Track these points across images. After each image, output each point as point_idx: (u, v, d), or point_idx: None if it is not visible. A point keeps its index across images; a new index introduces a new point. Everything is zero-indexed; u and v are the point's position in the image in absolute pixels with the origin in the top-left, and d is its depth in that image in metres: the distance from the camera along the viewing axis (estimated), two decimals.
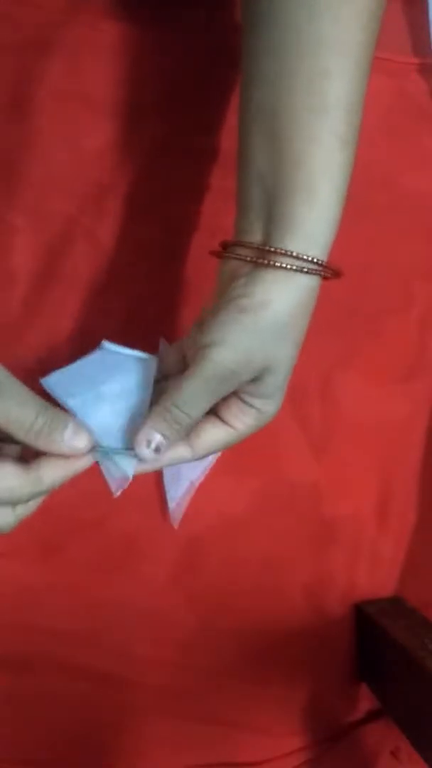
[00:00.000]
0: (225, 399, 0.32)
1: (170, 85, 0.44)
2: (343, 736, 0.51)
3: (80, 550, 0.46)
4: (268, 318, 0.30)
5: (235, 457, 0.43)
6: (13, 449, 0.32)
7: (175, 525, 0.46)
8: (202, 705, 0.49)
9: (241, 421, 0.32)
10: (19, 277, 0.44)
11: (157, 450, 0.31)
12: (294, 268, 0.30)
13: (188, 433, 0.32)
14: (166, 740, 0.48)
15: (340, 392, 0.49)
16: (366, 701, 0.52)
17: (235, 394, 0.32)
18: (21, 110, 0.43)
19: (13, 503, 0.31)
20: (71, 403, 0.32)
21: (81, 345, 0.44)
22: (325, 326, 0.47)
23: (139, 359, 0.33)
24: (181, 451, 0.32)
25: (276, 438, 0.48)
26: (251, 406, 0.32)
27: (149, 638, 0.47)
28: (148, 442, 0.30)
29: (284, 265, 0.30)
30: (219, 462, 0.45)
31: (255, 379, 0.31)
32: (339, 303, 0.48)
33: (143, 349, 0.45)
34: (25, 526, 0.45)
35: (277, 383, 0.32)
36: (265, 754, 0.50)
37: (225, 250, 0.33)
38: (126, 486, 0.42)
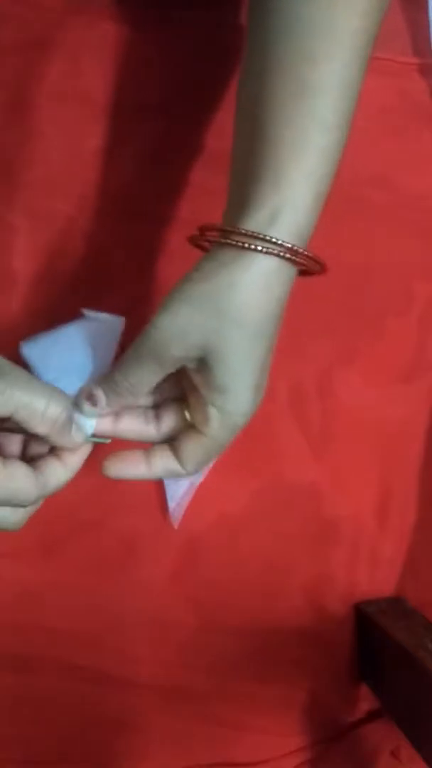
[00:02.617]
0: (193, 405, 0.32)
1: (170, 85, 0.44)
2: (343, 736, 0.51)
3: (80, 550, 0.46)
4: (210, 291, 0.29)
5: (235, 458, 0.43)
6: (15, 447, 0.33)
7: (175, 525, 0.46)
8: (202, 705, 0.49)
9: (208, 425, 0.31)
10: (19, 277, 0.44)
11: (95, 404, 0.31)
12: (247, 246, 0.29)
13: (131, 401, 0.32)
14: (166, 740, 0.48)
15: (339, 392, 0.49)
16: (366, 701, 0.52)
17: (198, 395, 0.31)
18: (21, 110, 0.43)
19: (21, 505, 0.31)
20: (46, 375, 0.34)
21: None
22: (325, 326, 0.48)
23: (110, 322, 0.35)
24: (172, 465, 0.33)
25: (276, 438, 0.48)
26: (211, 404, 0.31)
27: (149, 638, 0.47)
28: (89, 396, 0.31)
29: (237, 243, 0.29)
30: (219, 462, 0.44)
31: (203, 366, 0.30)
32: (339, 303, 0.48)
33: None
34: (25, 526, 0.45)
35: (229, 375, 0.30)
36: (265, 754, 0.50)
37: (201, 231, 0.33)
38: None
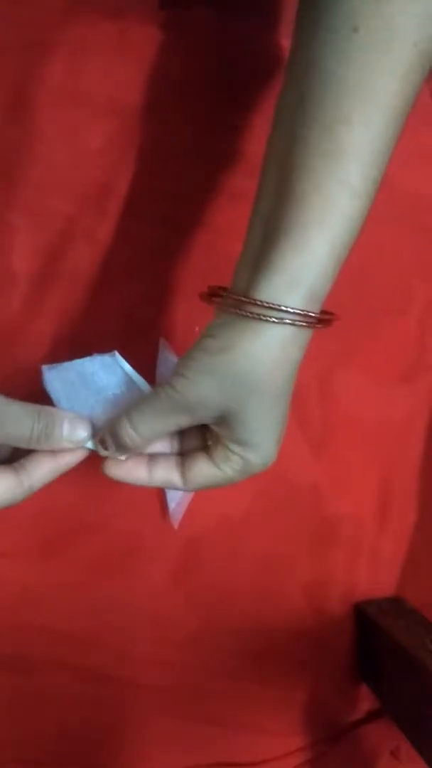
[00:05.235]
0: (214, 442, 0.33)
1: (170, 85, 0.44)
2: (343, 736, 0.51)
3: (81, 550, 0.46)
4: (229, 363, 0.29)
5: None
6: (2, 452, 0.34)
7: (176, 525, 0.46)
8: (202, 705, 0.49)
9: (228, 466, 0.32)
10: (19, 277, 0.44)
11: (105, 449, 0.33)
12: (263, 318, 0.29)
13: (135, 449, 0.33)
14: (166, 740, 0.48)
15: (339, 392, 0.49)
16: (366, 701, 0.52)
17: (219, 439, 0.32)
18: (21, 110, 0.43)
19: (10, 505, 0.32)
20: (64, 405, 0.34)
21: (81, 345, 0.44)
22: None
23: (141, 386, 0.34)
24: (174, 478, 0.33)
25: None
26: (233, 452, 0.32)
27: (149, 638, 0.47)
28: (101, 441, 0.33)
29: (253, 315, 0.29)
30: None
31: (223, 423, 0.31)
32: (339, 303, 0.48)
33: (143, 349, 0.45)
34: (26, 526, 0.45)
35: (251, 432, 0.31)
36: (265, 754, 0.50)
37: (212, 291, 0.33)
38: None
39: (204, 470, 0.33)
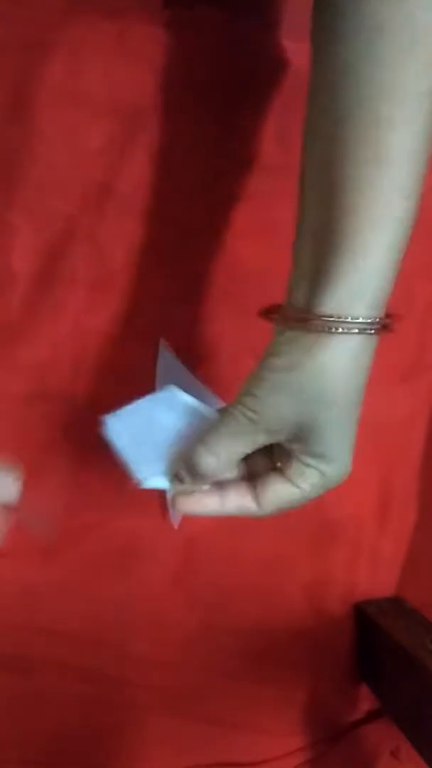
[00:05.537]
0: (286, 460, 0.32)
1: (170, 85, 0.44)
2: (343, 736, 0.51)
3: (81, 550, 0.46)
4: (299, 380, 0.29)
5: None
6: None
7: (175, 525, 0.46)
8: (202, 705, 0.49)
9: (304, 481, 0.31)
10: (19, 277, 0.44)
11: (182, 482, 0.33)
12: (330, 331, 0.28)
13: (215, 475, 0.32)
14: (166, 740, 0.48)
15: None
16: (366, 701, 0.52)
17: (293, 454, 0.32)
18: (21, 110, 0.43)
19: None
20: (130, 451, 0.34)
21: (81, 345, 0.44)
22: None
23: (206, 414, 0.33)
24: (248, 503, 0.33)
25: None
26: (308, 465, 0.31)
27: (149, 638, 0.47)
28: (176, 475, 0.33)
29: (318, 329, 0.29)
30: None
31: (298, 438, 0.31)
32: None
33: (144, 349, 0.45)
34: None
35: (326, 444, 0.31)
36: (265, 754, 0.50)
37: (272, 309, 0.32)
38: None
39: (280, 490, 0.32)
